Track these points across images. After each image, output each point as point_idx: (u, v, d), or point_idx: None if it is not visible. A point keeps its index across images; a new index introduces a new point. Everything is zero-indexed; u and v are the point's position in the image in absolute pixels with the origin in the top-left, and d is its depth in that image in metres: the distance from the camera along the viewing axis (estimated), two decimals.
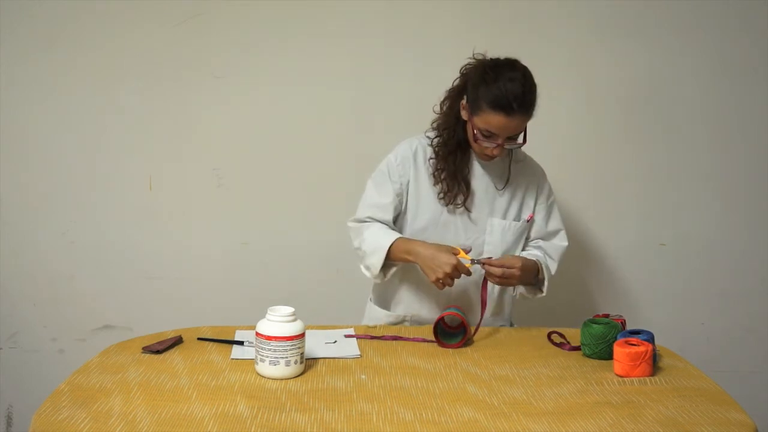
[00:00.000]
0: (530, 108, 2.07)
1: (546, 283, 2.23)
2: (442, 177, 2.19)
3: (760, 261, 2.98)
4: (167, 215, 2.92)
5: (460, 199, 2.20)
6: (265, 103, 2.87)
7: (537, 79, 2.88)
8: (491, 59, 2.14)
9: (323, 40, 2.84)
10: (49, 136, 2.87)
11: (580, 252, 2.95)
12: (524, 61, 2.89)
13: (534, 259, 2.22)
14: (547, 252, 2.30)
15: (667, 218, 2.96)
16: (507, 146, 2.12)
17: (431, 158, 2.22)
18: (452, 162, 2.18)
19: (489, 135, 2.09)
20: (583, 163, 2.93)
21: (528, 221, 2.28)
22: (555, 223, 2.32)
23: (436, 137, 2.22)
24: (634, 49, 2.87)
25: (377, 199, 2.24)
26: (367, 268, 2.22)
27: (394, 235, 2.18)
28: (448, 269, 2.06)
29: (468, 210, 2.22)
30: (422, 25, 2.83)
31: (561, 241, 2.32)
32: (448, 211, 2.22)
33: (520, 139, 2.14)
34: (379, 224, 2.23)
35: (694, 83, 2.90)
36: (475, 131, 2.10)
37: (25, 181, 2.89)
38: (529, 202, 2.28)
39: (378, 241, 2.18)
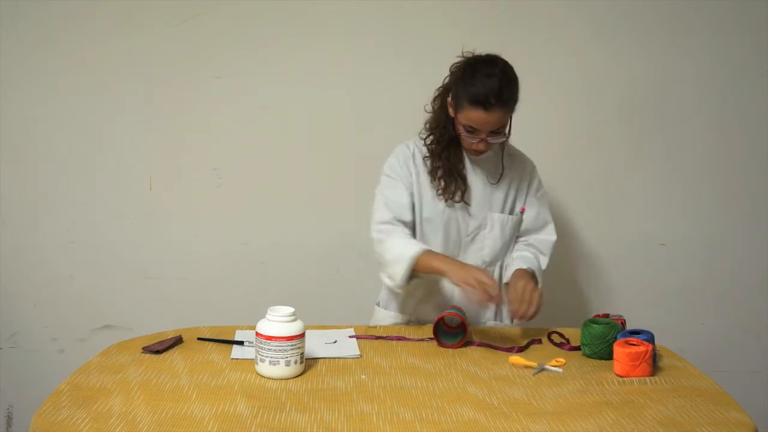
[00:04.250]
0: (509, 102, 2.10)
1: (539, 284, 2.22)
2: (439, 174, 2.22)
3: (760, 261, 2.98)
4: (167, 215, 2.92)
5: (458, 195, 2.22)
6: (265, 103, 2.87)
7: (537, 80, 2.89)
8: (474, 56, 2.17)
9: (323, 40, 2.84)
10: (49, 136, 2.87)
11: (580, 252, 2.95)
12: (525, 61, 2.89)
13: (525, 267, 2.21)
14: (538, 248, 2.32)
15: (667, 218, 2.96)
16: (491, 140, 2.14)
17: (426, 157, 2.25)
18: (446, 158, 2.22)
19: (472, 130, 2.13)
20: (583, 163, 2.92)
21: (521, 213, 2.30)
22: (544, 215, 2.34)
23: (428, 135, 2.25)
24: (634, 49, 2.87)
25: (396, 198, 2.23)
26: (390, 277, 2.19)
27: (418, 246, 2.14)
28: (482, 279, 2.02)
29: (467, 204, 2.23)
30: (423, 25, 2.83)
31: (549, 236, 2.33)
32: (448, 206, 2.23)
33: (505, 134, 2.16)
34: (401, 233, 2.19)
35: (694, 83, 2.90)
36: (459, 127, 2.14)
37: (25, 181, 2.89)
38: (521, 195, 2.30)
39: (403, 251, 2.14)
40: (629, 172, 2.94)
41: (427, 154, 2.24)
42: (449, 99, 2.19)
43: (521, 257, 2.28)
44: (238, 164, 2.90)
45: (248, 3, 2.82)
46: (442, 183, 2.22)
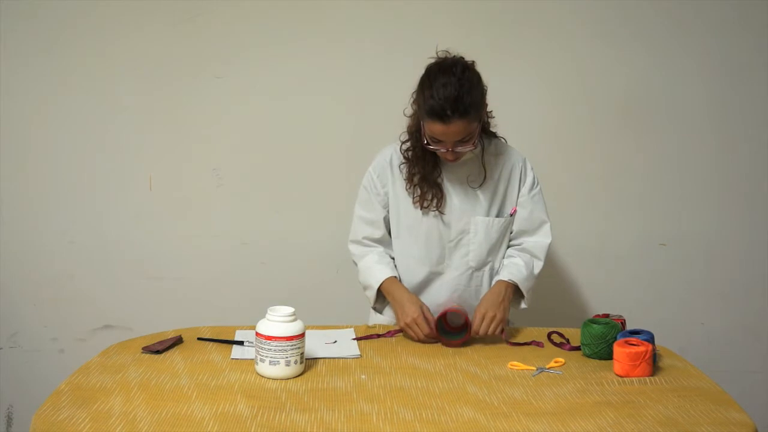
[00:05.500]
0: (468, 112, 2.01)
1: (527, 295, 2.22)
2: (415, 181, 2.18)
3: (760, 261, 2.98)
4: (167, 215, 2.92)
5: (434, 203, 2.18)
6: (265, 103, 2.87)
7: (538, 79, 2.89)
8: (437, 62, 2.09)
9: (323, 40, 2.84)
10: (50, 136, 2.87)
11: (580, 252, 2.95)
12: (525, 61, 2.90)
13: (507, 279, 2.19)
14: (532, 252, 2.25)
15: (667, 218, 2.96)
16: (459, 150, 2.07)
17: (402, 163, 2.20)
18: (422, 166, 2.16)
19: (436, 141, 2.07)
20: (584, 163, 2.92)
21: (512, 215, 2.25)
22: (538, 215, 2.25)
23: (405, 142, 2.20)
24: (635, 49, 2.87)
25: (367, 216, 2.26)
26: (367, 297, 2.30)
27: (384, 274, 2.21)
28: (408, 320, 2.11)
29: (442, 213, 2.19)
30: (423, 25, 2.83)
31: (544, 238, 2.26)
32: (423, 214, 2.20)
33: (473, 142, 2.08)
34: (372, 255, 2.25)
35: (694, 83, 2.90)
36: (425, 137, 2.09)
37: (25, 181, 2.89)
38: (512, 196, 2.24)
39: (369, 279, 2.24)
40: (629, 172, 2.94)
41: (404, 161, 2.20)
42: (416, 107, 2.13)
43: (510, 264, 2.23)
44: (238, 164, 2.90)
45: (248, 3, 2.82)
46: (418, 191, 2.18)
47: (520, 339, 2.14)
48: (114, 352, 1.97)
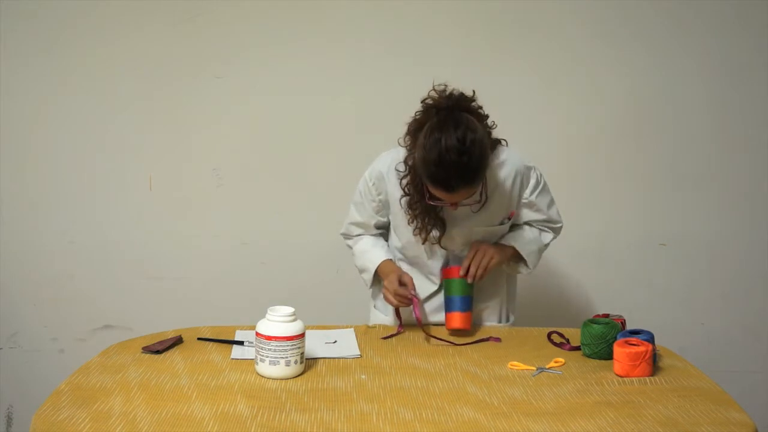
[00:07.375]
0: (475, 180, 1.93)
1: (530, 258, 2.20)
2: (416, 212, 2.11)
3: (761, 261, 2.98)
4: (167, 215, 2.92)
5: (435, 235, 2.13)
6: (266, 103, 2.87)
7: (538, 79, 2.88)
8: (438, 114, 1.96)
9: (323, 40, 2.84)
10: (50, 136, 2.87)
11: (580, 252, 2.95)
12: (525, 61, 2.90)
13: (506, 243, 2.19)
14: (540, 228, 2.25)
15: (667, 218, 2.96)
16: (464, 204, 2.02)
17: (402, 197, 2.13)
18: (423, 205, 2.07)
19: (441, 199, 2.01)
20: (584, 163, 2.93)
21: (510, 218, 2.21)
22: (543, 213, 2.22)
23: (405, 175, 2.10)
24: (635, 49, 2.87)
25: (361, 220, 2.27)
26: (363, 280, 2.32)
27: (380, 257, 2.23)
28: (386, 283, 2.16)
29: (444, 248, 2.17)
30: (423, 25, 2.83)
31: (554, 224, 2.26)
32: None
33: (478, 199, 2.05)
34: (367, 239, 2.29)
35: (694, 83, 2.90)
36: (426, 192, 2.02)
37: (25, 181, 2.89)
38: (512, 203, 2.18)
39: (366, 263, 2.27)
40: (629, 172, 2.94)
41: (403, 195, 2.11)
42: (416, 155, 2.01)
43: (516, 229, 2.22)
44: (238, 164, 2.90)
45: (248, 3, 2.82)
46: (419, 223, 2.11)
47: (520, 339, 2.14)
48: (114, 352, 1.97)
